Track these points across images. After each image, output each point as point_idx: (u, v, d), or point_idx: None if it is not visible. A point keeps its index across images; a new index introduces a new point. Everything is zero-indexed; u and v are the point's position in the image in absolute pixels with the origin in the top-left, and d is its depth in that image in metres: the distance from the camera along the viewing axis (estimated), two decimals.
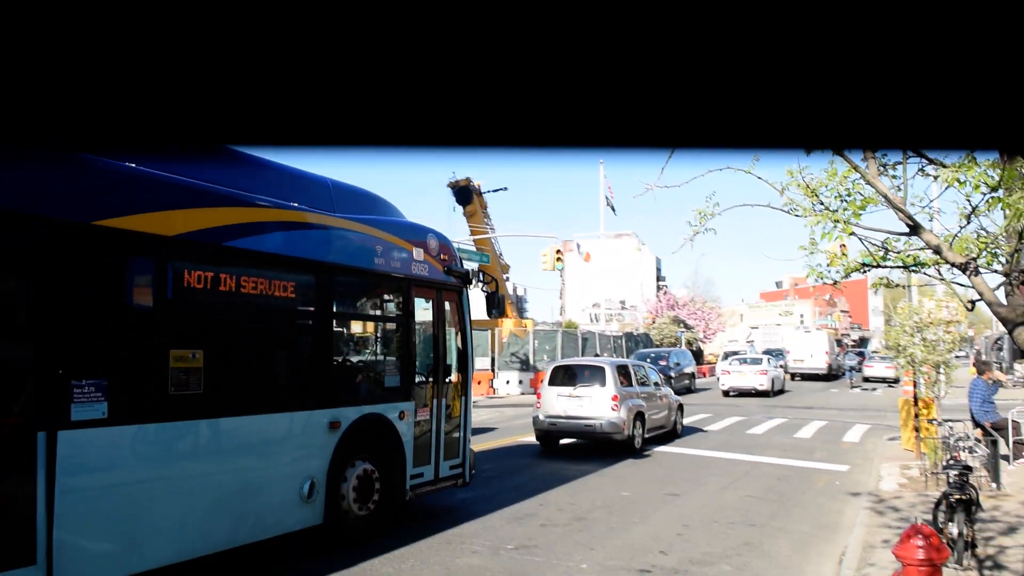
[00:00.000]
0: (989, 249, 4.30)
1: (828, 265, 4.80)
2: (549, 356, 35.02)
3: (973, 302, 4.47)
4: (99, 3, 0.74)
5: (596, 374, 16.63)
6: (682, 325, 56.78)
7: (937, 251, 3.82)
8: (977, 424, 13.24)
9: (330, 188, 9.15)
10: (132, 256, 6.58)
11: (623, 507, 11.05)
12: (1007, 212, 3.64)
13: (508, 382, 33.71)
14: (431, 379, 10.23)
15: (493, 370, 34.27)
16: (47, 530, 5.68)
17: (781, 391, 37.45)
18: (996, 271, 4.30)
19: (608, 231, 73.66)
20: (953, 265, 3.79)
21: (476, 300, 11.92)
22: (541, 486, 12.37)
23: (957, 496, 7.93)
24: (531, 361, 34.37)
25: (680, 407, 20.06)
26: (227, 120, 0.80)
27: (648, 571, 8.02)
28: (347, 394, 9.02)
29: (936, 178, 3.73)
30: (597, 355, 37.13)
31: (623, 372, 17.12)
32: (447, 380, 10.53)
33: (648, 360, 29.96)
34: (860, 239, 4.39)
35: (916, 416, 14.87)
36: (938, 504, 8.25)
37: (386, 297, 10.03)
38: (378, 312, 10.23)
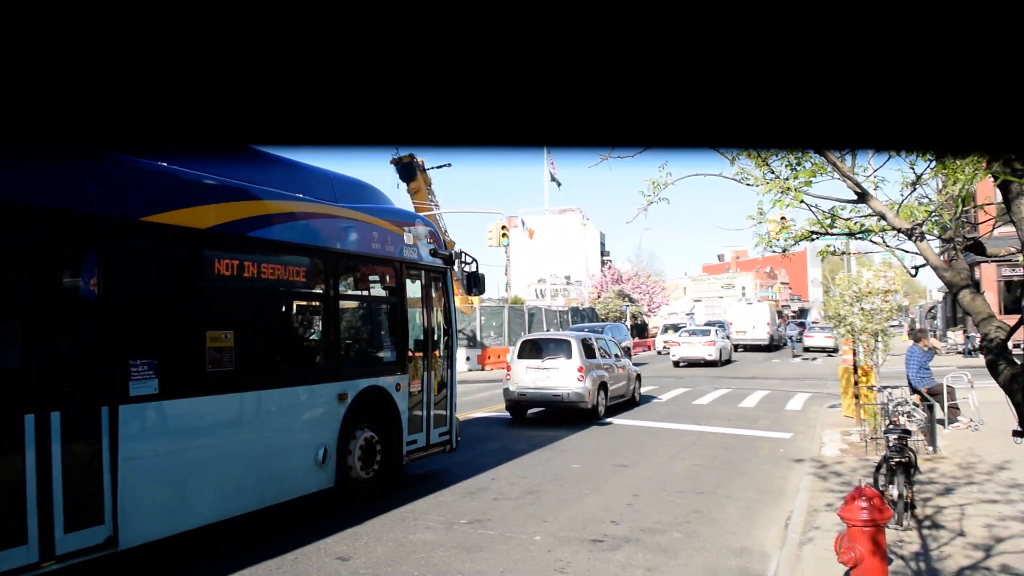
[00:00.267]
0: (931, 217, 4.40)
1: (776, 233, 4.88)
2: (496, 332, 35.13)
3: (917, 268, 4.58)
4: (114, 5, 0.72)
5: (562, 347, 17.59)
6: (627, 299, 57.30)
7: (883, 218, 3.91)
8: (914, 390, 13.64)
9: (332, 180, 9.89)
10: (172, 248, 7.33)
11: (574, 479, 11.16)
12: (948, 178, 3.74)
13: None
14: (421, 353, 11.10)
15: None
16: (112, 493, 6.48)
17: (728, 361, 38.71)
18: (939, 237, 4.42)
19: (553, 207, 73.96)
20: (899, 231, 3.88)
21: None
22: (492, 461, 12.43)
23: (897, 459, 8.17)
24: (478, 337, 34.42)
25: (638, 377, 21.09)
26: (224, 120, 0.79)
27: (600, 541, 8.13)
28: (352, 368, 9.81)
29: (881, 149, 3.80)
30: (545, 330, 37.37)
31: (587, 345, 18.00)
32: (435, 354, 11.46)
33: None
34: (809, 207, 4.47)
35: (856, 384, 15.24)
36: (878, 468, 8.49)
37: (383, 278, 10.75)
38: (376, 292, 10.89)
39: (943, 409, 13.73)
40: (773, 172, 4.18)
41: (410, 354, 10.80)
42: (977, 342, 30.01)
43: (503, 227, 35.58)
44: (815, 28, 0.73)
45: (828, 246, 5.42)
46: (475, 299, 41.57)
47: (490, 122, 0.80)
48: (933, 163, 3.61)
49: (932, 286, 77.79)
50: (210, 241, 7.65)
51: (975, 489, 9.47)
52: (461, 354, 33.80)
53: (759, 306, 53.56)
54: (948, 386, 14.09)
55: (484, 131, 0.80)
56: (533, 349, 17.95)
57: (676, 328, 46.28)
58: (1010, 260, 4.61)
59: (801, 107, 0.79)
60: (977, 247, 4.33)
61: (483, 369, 32.62)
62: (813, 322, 54.24)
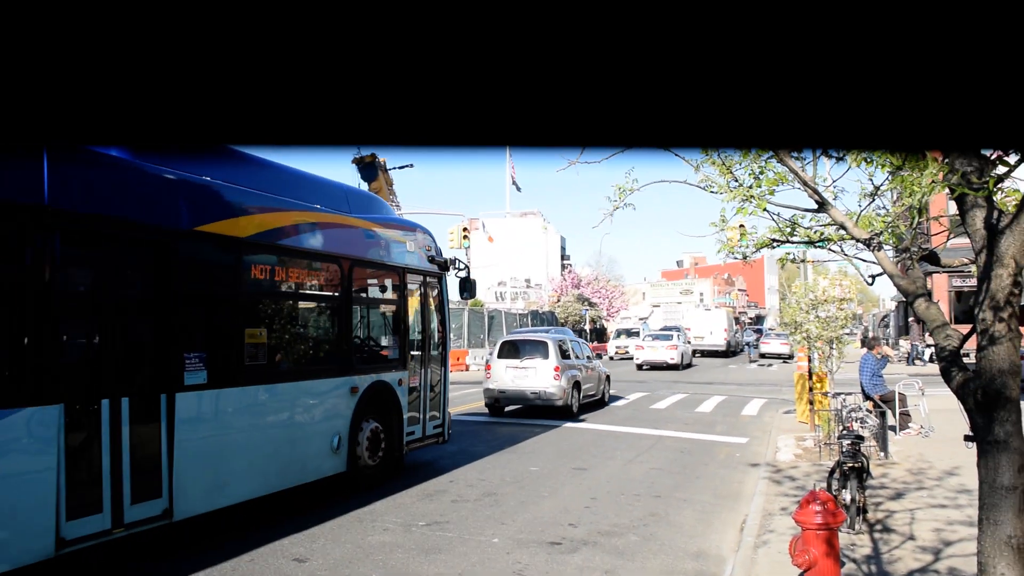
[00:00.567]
0: (888, 228, 4.50)
1: (739, 240, 4.96)
2: (455, 335, 35.04)
3: (873, 277, 4.68)
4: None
5: (539, 348, 18.68)
6: (586, 303, 57.53)
7: (843, 227, 3.99)
8: (867, 396, 13.88)
9: (345, 192, 11.09)
10: (218, 254, 8.26)
11: (533, 482, 11.19)
12: (905, 189, 3.83)
13: None
14: (419, 352, 12.15)
15: None
16: (168, 471, 7.36)
17: (689, 365, 39.54)
18: (895, 247, 4.52)
19: (514, 210, 74.00)
20: (858, 240, 3.96)
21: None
22: (450, 464, 12.43)
23: (850, 464, 8.31)
24: None
25: (608, 378, 22.05)
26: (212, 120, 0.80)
27: (559, 543, 8.16)
28: (362, 364, 10.80)
29: (841, 158, 3.89)
30: (504, 333, 37.42)
31: (562, 346, 19.13)
32: (431, 353, 12.50)
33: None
34: (771, 215, 4.54)
35: (811, 390, 15.46)
36: (832, 472, 8.63)
37: (388, 282, 11.75)
38: (382, 295, 11.86)
39: (895, 416, 13.99)
40: (737, 180, 4.25)
41: (410, 352, 11.81)
42: (920, 350, 30.63)
43: (464, 229, 35.56)
44: (774, 32, 0.75)
45: (788, 254, 5.51)
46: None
47: (454, 123, 0.80)
48: (891, 175, 3.70)
49: (886, 295, 79.22)
50: (249, 248, 8.62)
51: (925, 494, 9.66)
52: None
53: (717, 312, 54.11)
54: (900, 393, 14.36)
55: (448, 132, 0.81)
56: (512, 349, 18.92)
57: (629, 333, 46.61)
58: (962, 271, 4.73)
59: (761, 108, 0.80)
60: (932, 257, 4.44)
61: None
62: (769, 329, 54.92)
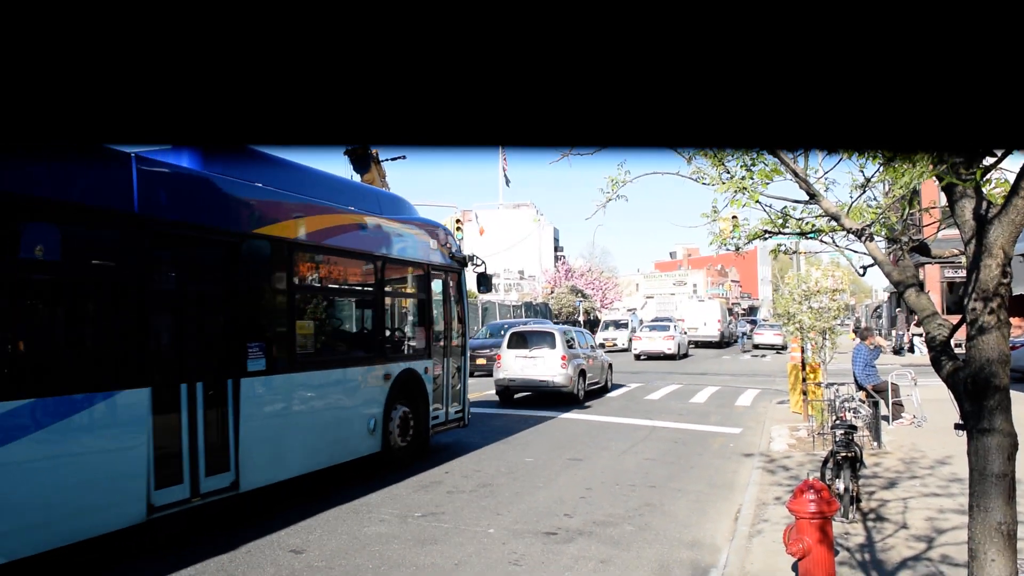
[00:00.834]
0: (879, 219, 4.53)
1: (731, 231, 4.99)
2: None
3: (865, 268, 4.72)
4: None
5: (547, 338, 19.78)
6: (580, 295, 57.55)
7: (835, 218, 4.02)
8: (860, 387, 13.95)
9: (377, 194, 12.17)
10: (274, 254, 9.17)
11: (528, 473, 11.24)
12: (895, 180, 3.86)
13: None
14: (442, 342, 13.10)
15: None
16: (235, 447, 8.23)
17: (686, 355, 39.99)
18: (886, 238, 4.55)
19: (507, 201, 73.87)
20: (849, 231, 3.99)
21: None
22: (445, 456, 12.46)
23: (843, 454, 8.35)
24: None
25: (610, 366, 23.27)
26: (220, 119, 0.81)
27: (554, 533, 8.21)
28: (393, 353, 11.79)
29: (832, 151, 3.92)
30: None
31: (568, 337, 20.26)
32: (453, 343, 13.43)
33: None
34: (763, 207, 4.57)
35: (804, 380, 15.52)
36: (825, 462, 8.68)
37: (415, 277, 12.71)
38: (410, 289, 12.78)
39: (888, 406, 14.07)
40: (729, 172, 4.28)
41: (434, 342, 12.80)
42: (905, 339, 30.72)
43: (457, 221, 35.53)
44: (769, 32, 0.76)
45: (779, 245, 5.55)
46: None
47: (449, 123, 0.82)
48: (882, 167, 3.74)
49: (878, 286, 79.41)
50: (299, 248, 9.59)
51: (917, 483, 9.73)
52: None
53: (710, 303, 54.15)
54: (893, 383, 14.43)
55: (443, 131, 0.82)
56: (520, 340, 19.92)
57: (617, 325, 46.61)
58: (953, 261, 4.77)
59: (755, 108, 0.82)
60: (922, 248, 4.48)
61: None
62: (763, 320, 55.02)
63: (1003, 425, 3.10)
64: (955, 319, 3.82)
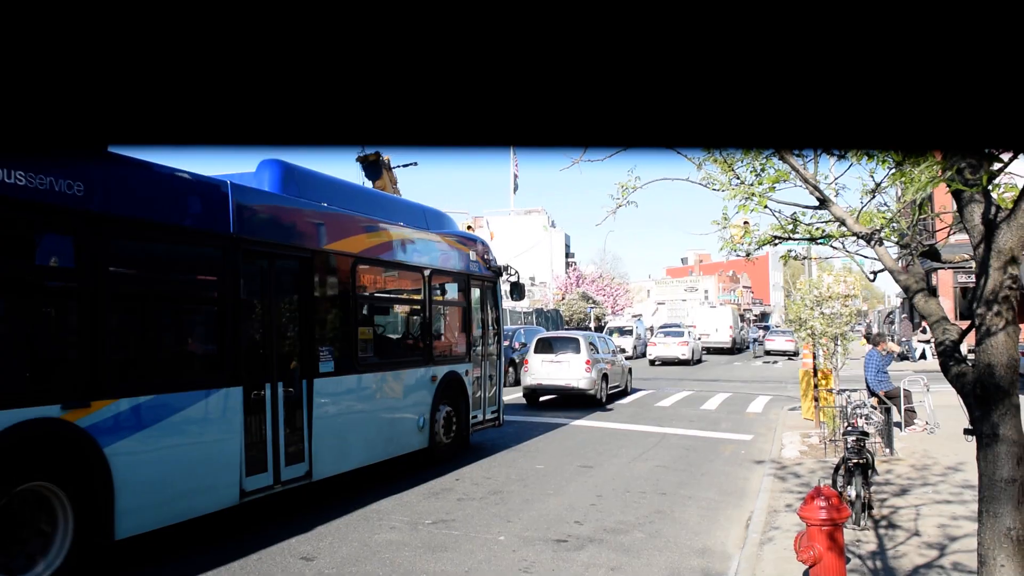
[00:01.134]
0: (889, 224, 4.52)
1: (741, 237, 4.99)
2: None
3: (875, 273, 4.70)
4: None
5: (571, 343, 20.80)
6: (590, 301, 57.44)
7: (843, 223, 4.01)
8: (872, 393, 13.88)
9: (423, 211, 13.10)
10: (341, 266, 10.17)
11: (538, 480, 11.22)
12: (906, 186, 3.85)
13: None
14: (480, 347, 14.12)
15: None
16: (308, 440, 9.20)
17: (700, 360, 40.31)
18: (896, 243, 4.54)
19: (518, 207, 73.81)
20: (858, 236, 3.99)
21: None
22: (455, 463, 12.45)
23: (855, 461, 8.31)
24: None
25: (630, 371, 24.50)
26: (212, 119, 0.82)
27: (564, 540, 8.19)
28: (439, 357, 12.65)
29: (843, 156, 3.92)
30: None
31: (591, 342, 21.23)
32: (490, 348, 14.53)
33: None
34: (772, 212, 4.57)
35: (815, 386, 15.45)
36: (837, 469, 8.64)
37: (457, 287, 13.69)
38: (452, 297, 13.66)
39: (900, 412, 13.99)
40: (739, 178, 4.28)
41: (473, 347, 13.80)
42: (915, 344, 30.48)
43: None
44: (778, 32, 0.77)
45: (790, 250, 5.54)
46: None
47: (459, 123, 0.82)
48: (892, 170, 3.73)
49: (891, 291, 78.99)
50: (360, 261, 10.51)
51: (930, 490, 9.68)
52: None
53: (722, 309, 54.07)
54: (905, 389, 14.36)
55: (453, 131, 0.82)
56: (546, 345, 21.02)
57: (622, 331, 46.47)
58: (964, 266, 4.75)
59: (763, 108, 0.82)
60: (932, 253, 4.47)
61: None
62: (776, 326, 54.82)
63: (1012, 430, 3.09)
64: (966, 324, 3.80)
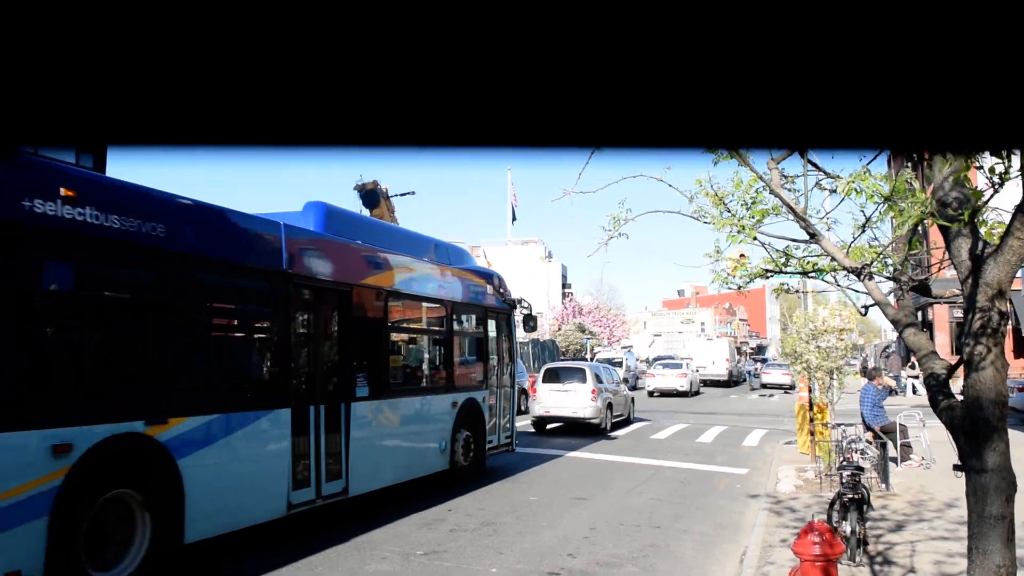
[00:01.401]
0: (880, 259, 4.54)
1: (732, 270, 5.00)
2: None
3: (866, 307, 4.71)
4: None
5: (578, 373, 21.66)
6: (587, 332, 57.30)
7: (834, 257, 4.03)
8: (868, 427, 13.83)
9: (446, 247, 14.16)
10: (374, 299, 11.10)
11: (531, 512, 11.14)
12: (895, 221, 3.87)
13: None
14: (495, 375, 14.88)
15: None
16: (345, 459, 9.98)
17: (697, 392, 40.60)
18: (887, 278, 4.56)
19: (515, 238, 73.88)
20: (848, 270, 4.00)
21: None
22: (448, 494, 12.37)
23: (850, 496, 8.26)
24: None
25: (632, 400, 25.41)
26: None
27: (557, 573, 8.12)
28: (459, 384, 13.40)
29: (833, 191, 3.94)
30: None
31: (596, 372, 22.06)
32: (504, 377, 15.25)
33: None
34: (763, 245, 4.58)
35: (811, 420, 15.39)
36: (832, 504, 8.58)
37: (475, 318, 14.49)
38: (471, 328, 14.46)
39: (896, 447, 13.93)
40: (729, 211, 4.30)
41: (489, 376, 14.58)
42: (904, 379, 30.36)
43: None
44: (767, 32, 0.77)
45: (783, 284, 5.55)
46: None
47: (448, 122, 0.82)
48: (881, 204, 3.75)
49: (887, 326, 78.92)
50: (391, 295, 11.45)
51: (925, 526, 9.62)
52: None
53: (719, 342, 53.97)
54: (901, 424, 14.31)
55: (442, 131, 0.82)
56: (553, 375, 21.87)
57: (611, 363, 46.21)
58: (954, 301, 4.76)
59: (743, 108, 0.82)
60: (923, 288, 4.48)
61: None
62: (772, 359, 54.72)
63: (1000, 466, 3.08)
64: (956, 359, 3.80)
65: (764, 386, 45.00)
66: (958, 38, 0.78)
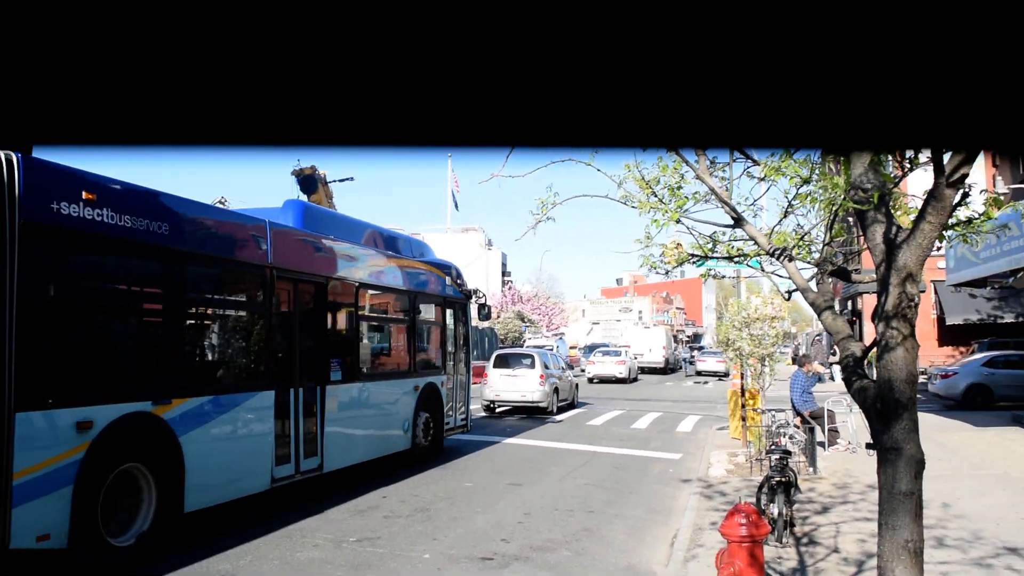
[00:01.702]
0: (803, 244, 4.63)
1: (661, 256, 5.06)
2: None
3: (790, 292, 4.81)
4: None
5: (527, 359, 23.02)
6: (525, 320, 57.49)
7: (756, 241, 4.10)
8: (797, 413, 14.15)
9: (407, 240, 15.51)
10: (347, 291, 12.07)
11: (466, 497, 11.16)
12: (815, 206, 3.96)
13: None
14: (452, 361, 16.04)
15: None
16: (321, 438, 10.92)
17: (636, 379, 41.44)
18: (809, 263, 4.66)
19: (455, 225, 73.72)
20: (768, 253, 4.08)
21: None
22: (381, 481, 12.32)
23: (778, 479, 8.45)
24: None
25: (576, 386, 26.93)
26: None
27: (490, 559, 8.15)
28: (420, 369, 14.47)
29: (762, 179, 4.01)
30: None
31: (543, 359, 23.29)
32: (460, 362, 16.45)
33: None
34: (689, 230, 4.64)
35: (743, 406, 15.70)
36: (761, 487, 8.77)
37: (435, 308, 15.55)
38: (430, 317, 15.41)
39: (824, 432, 14.28)
40: (656, 196, 4.34)
41: (447, 361, 15.68)
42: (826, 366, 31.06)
43: None
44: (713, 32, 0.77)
45: (709, 270, 5.63)
46: None
47: (397, 120, 0.81)
48: (798, 190, 3.84)
49: None
50: (363, 286, 12.47)
51: (850, 508, 9.88)
52: None
53: (656, 330, 54.62)
54: (829, 410, 14.67)
55: (391, 130, 0.82)
56: (503, 361, 23.23)
57: (543, 348, 46.51)
58: (873, 288, 4.89)
59: (680, 107, 0.82)
60: (842, 272, 4.59)
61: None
62: (707, 347, 55.59)
63: (911, 444, 3.18)
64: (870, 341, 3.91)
65: (699, 373, 45.74)
66: (878, 49, 0.80)
